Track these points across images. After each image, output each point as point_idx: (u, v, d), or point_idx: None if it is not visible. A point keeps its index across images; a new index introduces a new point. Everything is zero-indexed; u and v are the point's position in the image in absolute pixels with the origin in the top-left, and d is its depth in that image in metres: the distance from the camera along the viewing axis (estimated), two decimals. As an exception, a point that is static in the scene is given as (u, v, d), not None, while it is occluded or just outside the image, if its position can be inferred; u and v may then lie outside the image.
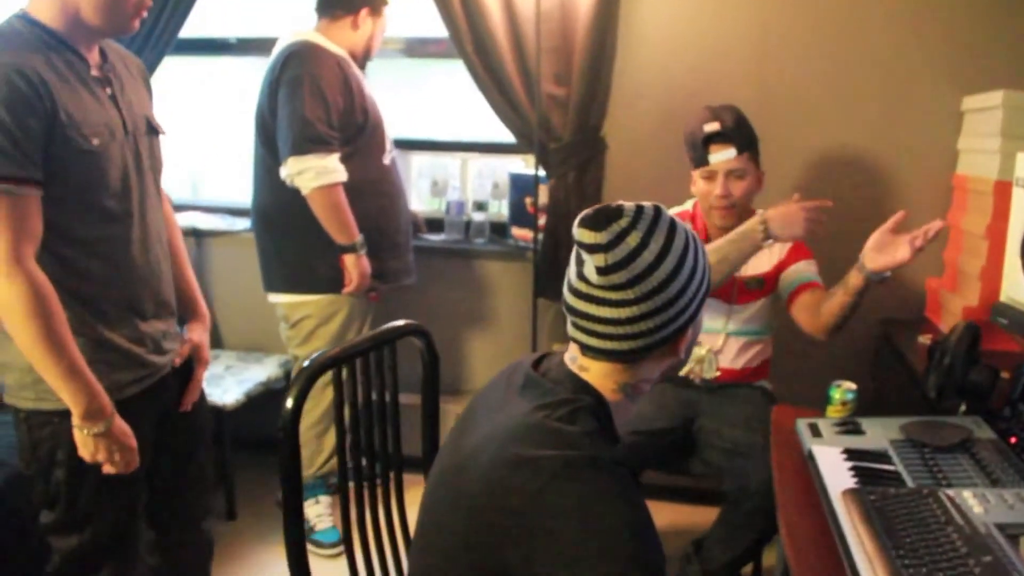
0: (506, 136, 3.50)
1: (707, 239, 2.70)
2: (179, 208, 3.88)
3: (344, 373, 1.72)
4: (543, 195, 3.45)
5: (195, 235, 3.89)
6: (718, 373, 2.75)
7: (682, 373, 2.76)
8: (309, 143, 2.80)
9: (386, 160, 3.10)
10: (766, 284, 2.70)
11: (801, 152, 3.35)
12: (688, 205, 2.83)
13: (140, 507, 2.11)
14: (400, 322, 1.86)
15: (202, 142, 4.16)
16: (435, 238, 3.72)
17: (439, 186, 3.87)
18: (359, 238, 2.97)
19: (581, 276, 1.31)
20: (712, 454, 2.60)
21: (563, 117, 3.35)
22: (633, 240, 1.26)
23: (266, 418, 3.28)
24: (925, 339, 2.81)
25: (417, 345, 1.90)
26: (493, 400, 1.41)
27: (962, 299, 2.86)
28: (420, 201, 3.97)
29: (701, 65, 3.35)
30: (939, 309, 3.09)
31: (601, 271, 1.27)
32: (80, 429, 1.82)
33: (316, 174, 2.82)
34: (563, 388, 1.33)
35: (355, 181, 2.95)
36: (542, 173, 3.45)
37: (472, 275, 3.71)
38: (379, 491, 1.84)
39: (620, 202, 1.32)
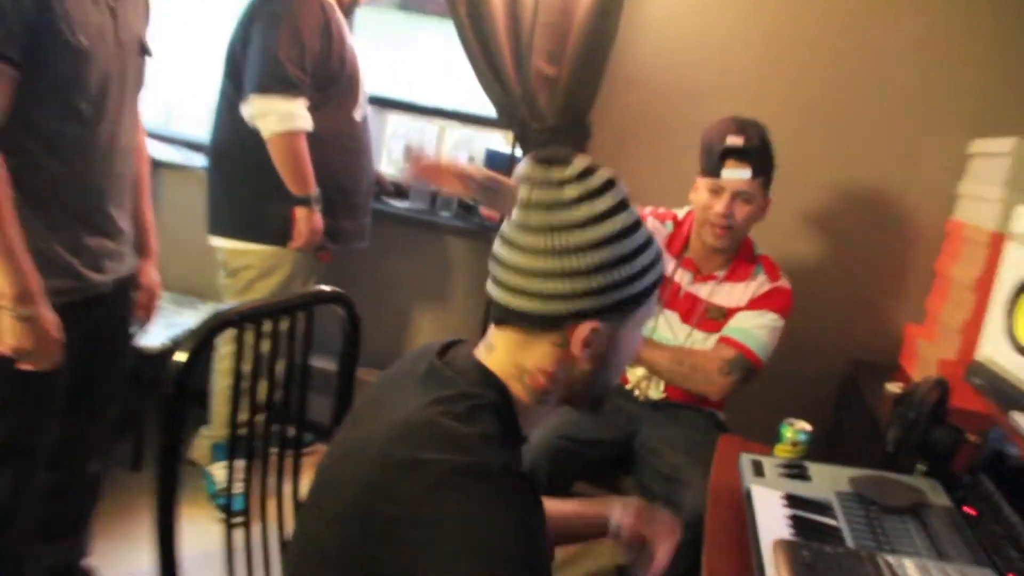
0: (490, 110, 3.41)
1: (681, 252, 2.64)
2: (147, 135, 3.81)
3: (255, 334, 1.62)
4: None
5: (152, 165, 3.74)
6: (664, 395, 2.65)
7: (628, 387, 2.67)
8: (276, 83, 2.67)
9: (357, 115, 2.97)
10: (726, 319, 2.60)
11: (793, 172, 3.24)
12: (681, 211, 2.75)
13: (51, 411, 2.07)
14: (322, 287, 1.77)
15: (183, 72, 4.04)
16: (399, 204, 3.60)
17: (412, 152, 3.73)
18: (315, 192, 2.84)
19: (508, 218, 1.27)
20: (649, 476, 2.50)
21: (550, 97, 3.25)
22: (570, 192, 1.20)
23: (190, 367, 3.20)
24: (894, 387, 2.73)
25: (339, 313, 1.79)
26: (393, 387, 1.32)
27: (939, 351, 2.78)
28: (390, 163, 3.86)
29: (702, 65, 3.26)
30: (914, 357, 3.00)
31: (522, 205, 1.22)
32: (9, 311, 1.80)
33: (279, 118, 2.70)
34: (466, 380, 1.24)
35: (320, 132, 2.82)
36: (520, 153, 3.36)
37: (432, 249, 3.60)
38: (286, 463, 1.76)
39: (582, 154, 1.25)
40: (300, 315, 1.69)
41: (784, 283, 2.61)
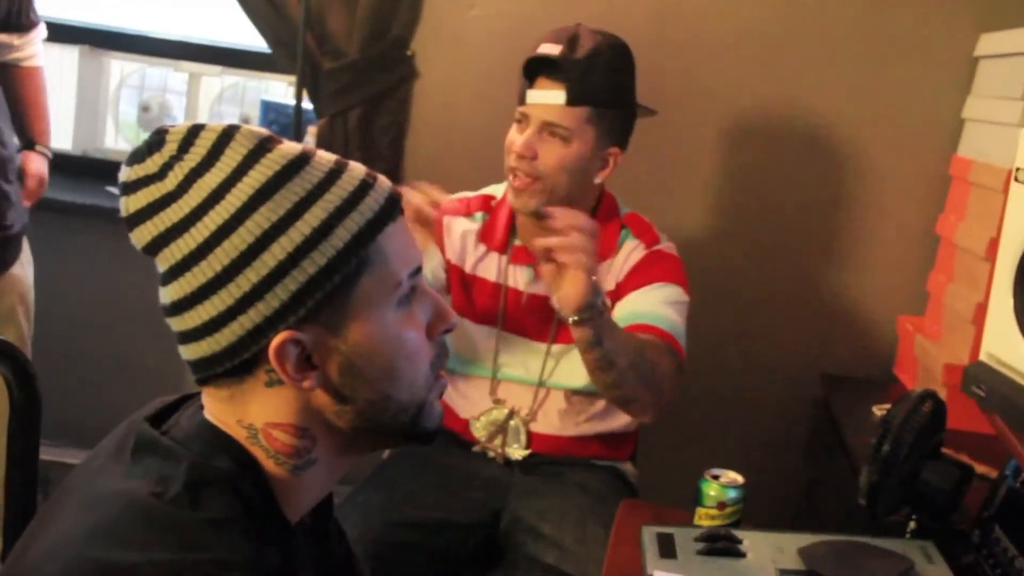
0: (262, 45, 3.42)
1: (507, 242, 2.63)
2: None
3: None
4: (310, 142, 3.35)
5: None
6: (527, 451, 2.66)
7: (475, 447, 2.68)
8: None
9: None
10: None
11: (733, 113, 3.34)
12: (499, 188, 2.73)
13: None
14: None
15: None
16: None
17: (152, 113, 3.78)
18: None
19: None
20: (525, 566, 2.51)
21: (348, 18, 3.26)
22: (174, 176, 1.20)
23: None
24: (881, 410, 2.77)
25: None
26: (92, 472, 1.31)
27: (946, 352, 2.84)
28: (122, 134, 3.86)
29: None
30: (914, 365, 3.08)
31: (127, 225, 1.22)
32: None
33: None
34: (189, 450, 1.22)
35: None
36: (309, 106, 3.38)
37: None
38: None
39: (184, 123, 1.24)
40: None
41: (667, 246, 2.63)
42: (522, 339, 2.64)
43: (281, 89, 3.69)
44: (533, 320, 2.60)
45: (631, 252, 2.60)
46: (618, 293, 2.58)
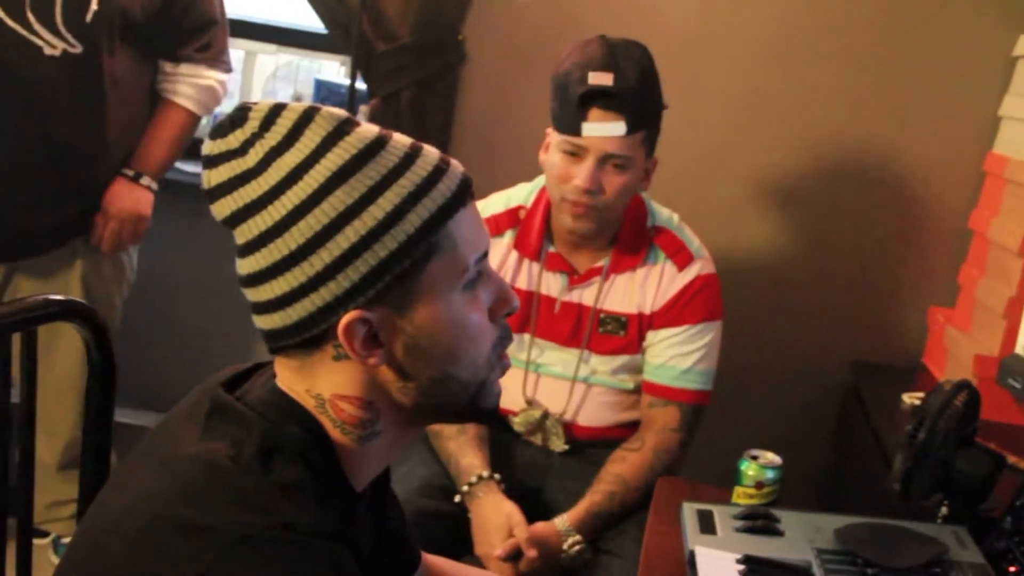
0: (318, 26, 3.44)
1: (541, 248, 2.60)
2: None
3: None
4: (361, 121, 3.32)
5: None
6: (566, 447, 2.66)
7: (517, 430, 2.69)
8: None
9: None
10: (628, 331, 2.60)
11: (770, 118, 3.33)
12: (526, 193, 2.69)
13: None
14: (52, 296, 1.76)
15: None
16: (189, 169, 3.58)
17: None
18: None
19: None
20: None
21: (402, 2, 3.26)
22: (255, 154, 1.20)
23: None
24: (912, 398, 2.78)
25: (79, 336, 1.78)
26: (168, 435, 1.33)
27: (976, 344, 2.84)
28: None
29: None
30: (943, 355, 3.08)
31: (208, 193, 1.23)
32: None
33: None
34: (262, 416, 1.24)
35: None
36: (362, 86, 3.38)
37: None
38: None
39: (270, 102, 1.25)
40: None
41: (701, 267, 2.59)
42: (554, 344, 2.62)
43: (334, 68, 3.69)
44: (567, 327, 2.59)
45: (663, 274, 2.57)
46: (652, 322, 2.57)
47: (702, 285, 2.57)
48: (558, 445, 2.65)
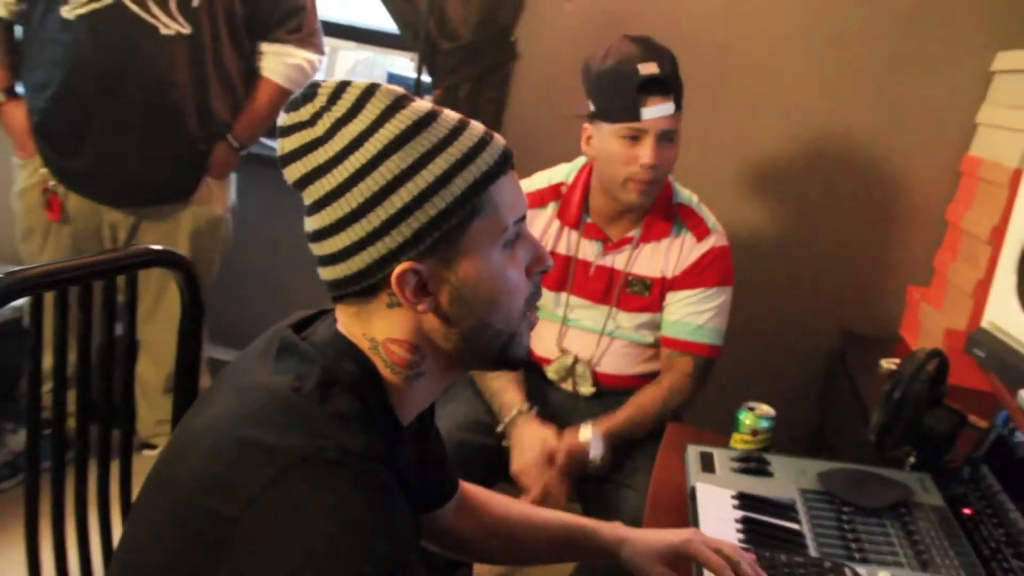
0: (391, 26, 3.42)
1: (579, 219, 2.60)
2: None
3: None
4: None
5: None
6: (593, 389, 2.67)
7: (551, 377, 2.69)
8: None
9: (65, 11, 2.86)
10: (652, 292, 2.61)
11: (769, 106, 3.30)
12: (566, 172, 2.69)
13: None
14: (150, 247, 1.77)
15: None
16: (274, 145, 3.56)
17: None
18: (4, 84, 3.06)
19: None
20: (582, 478, 2.50)
21: (464, 8, 3.25)
22: (323, 124, 1.21)
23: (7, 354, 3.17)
24: (889, 364, 2.75)
25: (175, 281, 1.78)
26: (243, 368, 1.34)
27: (946, 319, 2.81)
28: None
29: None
30: (917, 327, 3.05)
31: (280, 164, 1.24)
32: None
33: None
34: (323, 354, 1.25)
35: (26, 36, 3.01)
36: (427, 79, 3.37)
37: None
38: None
39: (334, 80, 1.26)
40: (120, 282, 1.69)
41: (716, 240, 2.61)
42: (587, 302, 2.63)
43: (404, 64, 3.68)
44: (599, 286, 2.59)
45: (683, 244, 2.59)
46: (672, 285, 2.59)
47: (717, 255, 2.59)
48: (586, 389, 2.65)
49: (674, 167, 2.53)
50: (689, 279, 2.58)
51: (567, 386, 2.68)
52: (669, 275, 2.59)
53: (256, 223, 3.54)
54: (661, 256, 2.58)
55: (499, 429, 2.44)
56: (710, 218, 2.64)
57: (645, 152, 2.40)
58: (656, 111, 2.39)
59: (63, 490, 1.63)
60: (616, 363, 2.66)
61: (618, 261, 2.59)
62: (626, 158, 2.43)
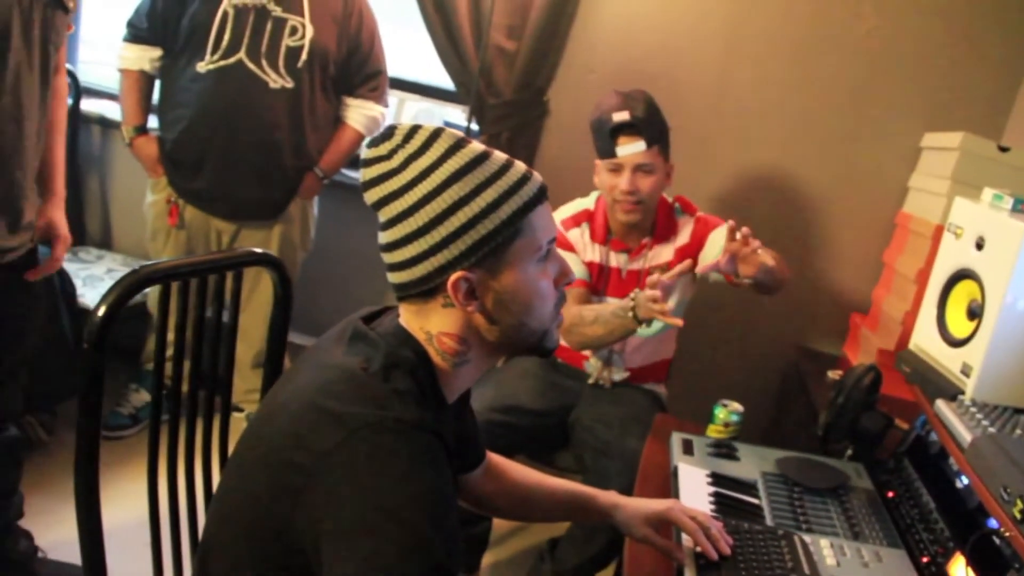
0: (448, 84, 3.43)
1: (606, 236, 2.61)
2: (97, 94, 3.79)
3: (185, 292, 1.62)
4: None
5: (101, 124, 3.71)
6: (627, 374, 2.68)
7: (590, 382, 2.68)
8: (126, 28, 3.00)
9: (200, 67, 2.89)
10: (670, 266, 2.55)
11: (747, 161, 3.30)
12: (589, 201, 2.70)
13: None
14: (245, 249, 1.77)
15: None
16: (351, 174, 3.59)
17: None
18: (138, 122, 3.06)
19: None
20: (582, 452, 2.52)
21: (507, 73, 3.25)
22: (399, 158, 1.24)
23: (134, 330, 3.18)
24: (835, 375, 2.75)
25: (270, 277, 1.79)
26: (322, 350, 1.36)
27: (879, 340, 2.82)
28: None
29: (661, 51, 3.27)
30: (857, 347, 3.04)
31: (362, 189, 1.27)
32: None
33: (119, 58, 3.03)
34: (387, 342, 1.27)
35: (165, 84, 3.05)
36: (476, 127, 3.37)
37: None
38: (199, 426, 1.72)
39: (406, 123, 1.28)
40: (229, 275, 1.70)
41: (704, 213, 2.66)
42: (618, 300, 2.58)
43: (457, 114, 3.66)
44: (631, 288, 2.55)
45: (686, 224, 2.63)
46: (688, 251, 2.58)
47: (711, 217, 2.64)
48: (619, 374, 2.68)
49: (661, 191, 2.56)
50: (702, 233, 2.60)
51: (603, 376, 2.68)
52: (680, 246, 2.60)
53: (332, 235, 3.54)
54: (670, 246, 2.61)
55: (629, 315, 2.24)
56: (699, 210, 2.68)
57: (622, 181, 2.46)
58: (627, 149, 2.44)
59: (177, 440, 1.63)
60: (634, 356, 2.68)
61: (642, 263, 2.60)
62: (611, 186, 2.50)
